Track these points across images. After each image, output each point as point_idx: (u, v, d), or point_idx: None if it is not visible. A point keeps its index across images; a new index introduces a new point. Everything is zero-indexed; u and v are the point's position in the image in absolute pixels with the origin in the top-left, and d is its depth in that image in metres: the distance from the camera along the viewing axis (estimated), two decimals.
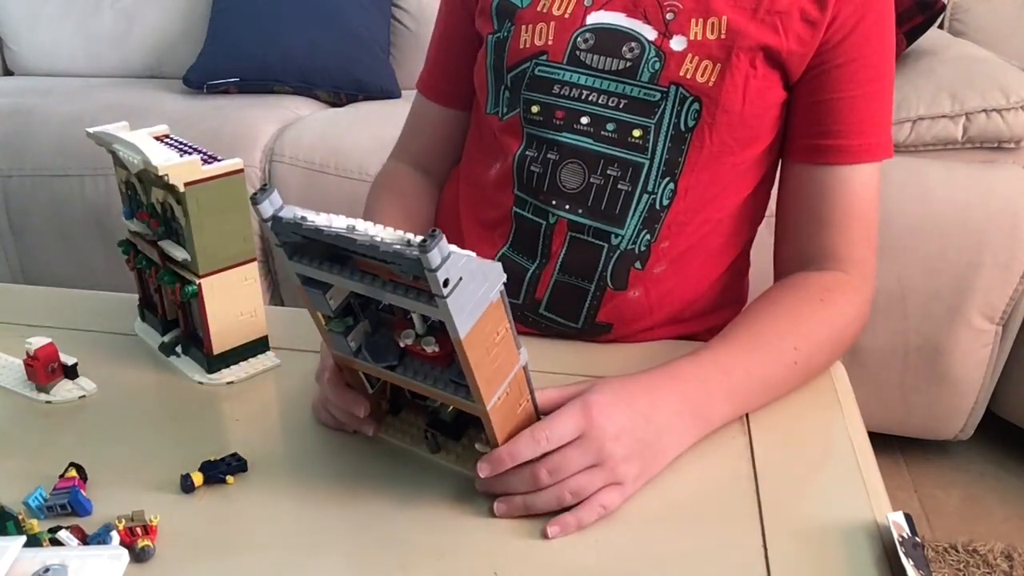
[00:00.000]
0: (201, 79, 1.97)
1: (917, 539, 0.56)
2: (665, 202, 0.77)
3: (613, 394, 0.62)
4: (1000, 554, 1.42)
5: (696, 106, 0.74)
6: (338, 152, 1.64)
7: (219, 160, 0.74)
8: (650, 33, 0.75)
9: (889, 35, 0.77)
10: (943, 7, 1.64)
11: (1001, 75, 1.48)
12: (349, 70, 1.97)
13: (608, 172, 0.76)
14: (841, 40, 0.74)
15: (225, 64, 1.98)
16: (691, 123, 0.74)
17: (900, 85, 1.52)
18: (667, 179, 0.76)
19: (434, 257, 0.47)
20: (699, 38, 0.74)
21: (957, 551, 1.42)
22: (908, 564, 0.53)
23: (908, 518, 0.58)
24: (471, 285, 0.50)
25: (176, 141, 0.78)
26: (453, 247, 0.49)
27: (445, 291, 0.48)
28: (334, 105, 1.99)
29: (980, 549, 1.42)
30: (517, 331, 0.56)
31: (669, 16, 0.75)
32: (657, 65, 0.74)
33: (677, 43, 0.74)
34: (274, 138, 1.73)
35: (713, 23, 0.73)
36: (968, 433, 1.59)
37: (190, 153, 0.74)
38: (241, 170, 0.74)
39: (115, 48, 2.27)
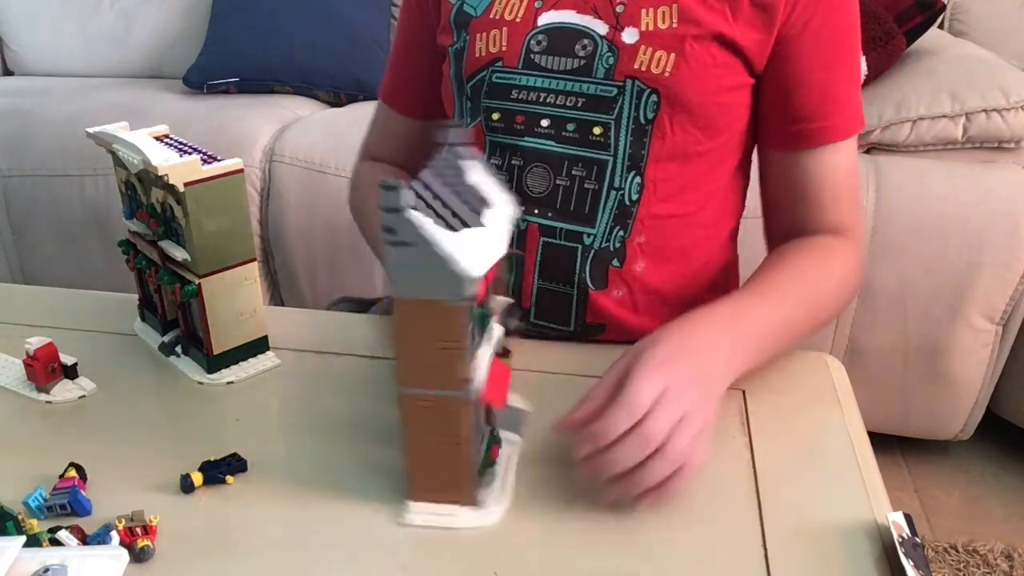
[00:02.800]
0: (201, 79, 1.97)
1: (917, 539, 0.56)
2: (634, 196, 0.77)
3: (669, 345, 0.62)
4: (1000, 554, 1.42)
5: (654, 98, 0.74)
6: (338, 152, 1.64)
7: (219, 160, 0.74)
8: (601, 28, 0.75)
9: (852, 10, 0.77)
10: (943, 7, 1.64)
11: (1001, 75, 1.48)
12: (349, 70, 1.97)
13: (573, 172, 0.77)
14: (804, 24, 0.74)
15: (225, 64, 1.98)
16: (650, 115, 0.75)
17: (900, 85, 1.52)
18: (632, 173, 0.76)
19: (391, 198, 0.50)
20: (651, 28, 0.74)
21: (957, 551, 1.42)
22: (908, 564, 0.53)
23: (908, 518, 0.58)
24: (420, 262, 0.52)
25: (176, 141, 0.78)
26: (433, 228, 0.51)
27: (387, 237, 0.51)
28: (334, 105, 1.99)
29: (980, 549, 1.42)
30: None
31: (619, 8, 0.75)
32: (611, 60, 0.74)
33: (629, 35, 0.74)
34: (274, 138, 1.73)
35: (664, 12, 0.73)
36: (968, 433, 1.59)
37: (190, 153, 0.74)
38: (241, 170, 0.74)
39: (115, 48, 2.27)
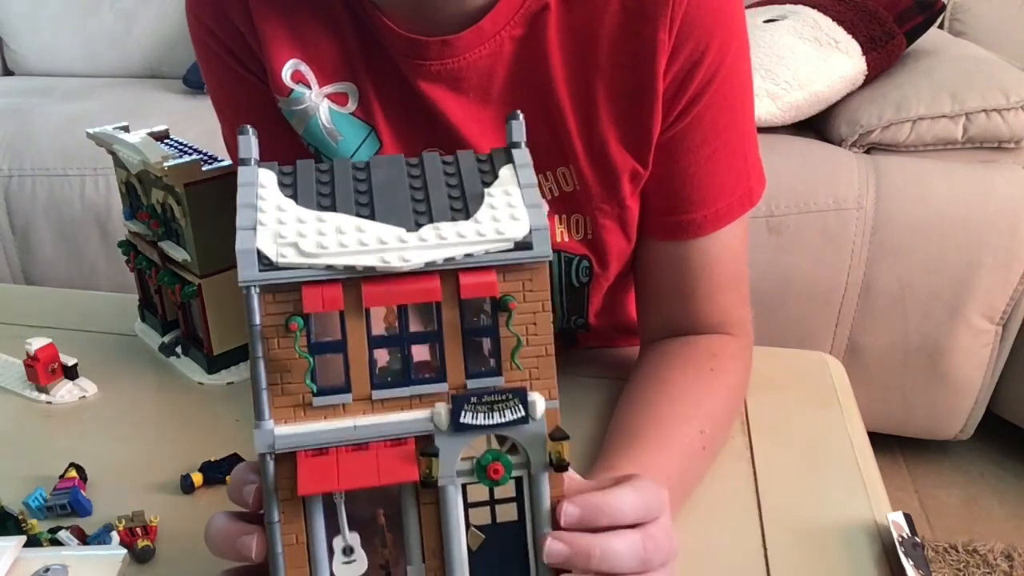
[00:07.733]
0: (201, 79, 1.97)
1: (917, 539, 0.56)
2: (580, 322, 0.75)
3: None
4: (1000, 554, 1.42)
5: (586, 263, 0.71)
6: None
7: (219, 160, 0.74)
8: None
9: (736, 83, 0.67)
10: (943, 7, 1.65)
11: (1001, 75, 1.48)
12: None
13: None
14: (679, 123, 0.66)
15: None
16: (584, 279, 0.71)
17: (900, 85, 1.52)
18: (575, 315, 0.75)
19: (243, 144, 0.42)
20: (556, 194, 0.68)
21: (957, 551, 1.43)
22: (908, 564, 0.53)
23: (908, 518, 0.58)
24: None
25: (176, 141, 0.78)
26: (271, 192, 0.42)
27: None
28: None
29: (980, 549, 1.43)
30: None
31: None
32: None
33: None
34: None
35: (563, 173, 0.67)
36: (968, 433, 1.60)
37: (190, 153, 0.74)
38: None
39: (115, 48, 2.27)
